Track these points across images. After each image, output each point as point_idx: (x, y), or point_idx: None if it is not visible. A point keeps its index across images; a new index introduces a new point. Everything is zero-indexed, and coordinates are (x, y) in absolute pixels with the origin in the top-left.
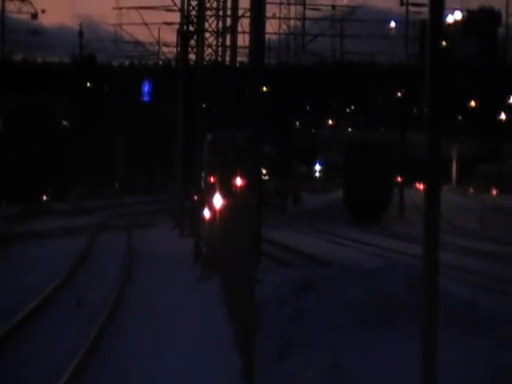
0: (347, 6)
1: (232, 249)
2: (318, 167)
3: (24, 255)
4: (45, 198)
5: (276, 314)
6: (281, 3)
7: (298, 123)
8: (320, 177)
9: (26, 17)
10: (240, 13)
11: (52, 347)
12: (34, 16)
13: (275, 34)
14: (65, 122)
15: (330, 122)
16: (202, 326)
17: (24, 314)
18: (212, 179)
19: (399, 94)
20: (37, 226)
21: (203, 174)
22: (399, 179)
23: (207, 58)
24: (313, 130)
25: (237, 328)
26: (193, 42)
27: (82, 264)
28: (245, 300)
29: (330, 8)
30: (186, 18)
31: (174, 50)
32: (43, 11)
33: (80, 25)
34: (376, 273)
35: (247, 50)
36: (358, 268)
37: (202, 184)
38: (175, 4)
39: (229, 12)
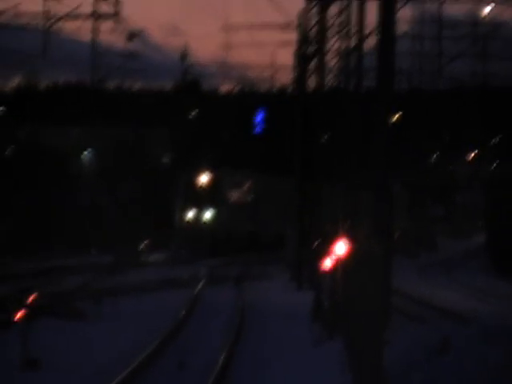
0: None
1: (356, 304)
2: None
3: (118, 312)
4: (142, 246)
5: (406, 381)
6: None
7: (433, 157)
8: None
9: (120, 39)
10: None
11: None
12: (132, 36)
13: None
14: (165, 159)
15: (471, 155)
16: None
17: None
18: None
19: None
20: (132, 278)
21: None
22: None
23: (328, 84)
24: (450, 166)
25: None
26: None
27: (183, 323)
28: (370, 365)
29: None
30: (304, 38)
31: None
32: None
33: (184, 47)
34: None
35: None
36: (503, 326)
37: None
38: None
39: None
